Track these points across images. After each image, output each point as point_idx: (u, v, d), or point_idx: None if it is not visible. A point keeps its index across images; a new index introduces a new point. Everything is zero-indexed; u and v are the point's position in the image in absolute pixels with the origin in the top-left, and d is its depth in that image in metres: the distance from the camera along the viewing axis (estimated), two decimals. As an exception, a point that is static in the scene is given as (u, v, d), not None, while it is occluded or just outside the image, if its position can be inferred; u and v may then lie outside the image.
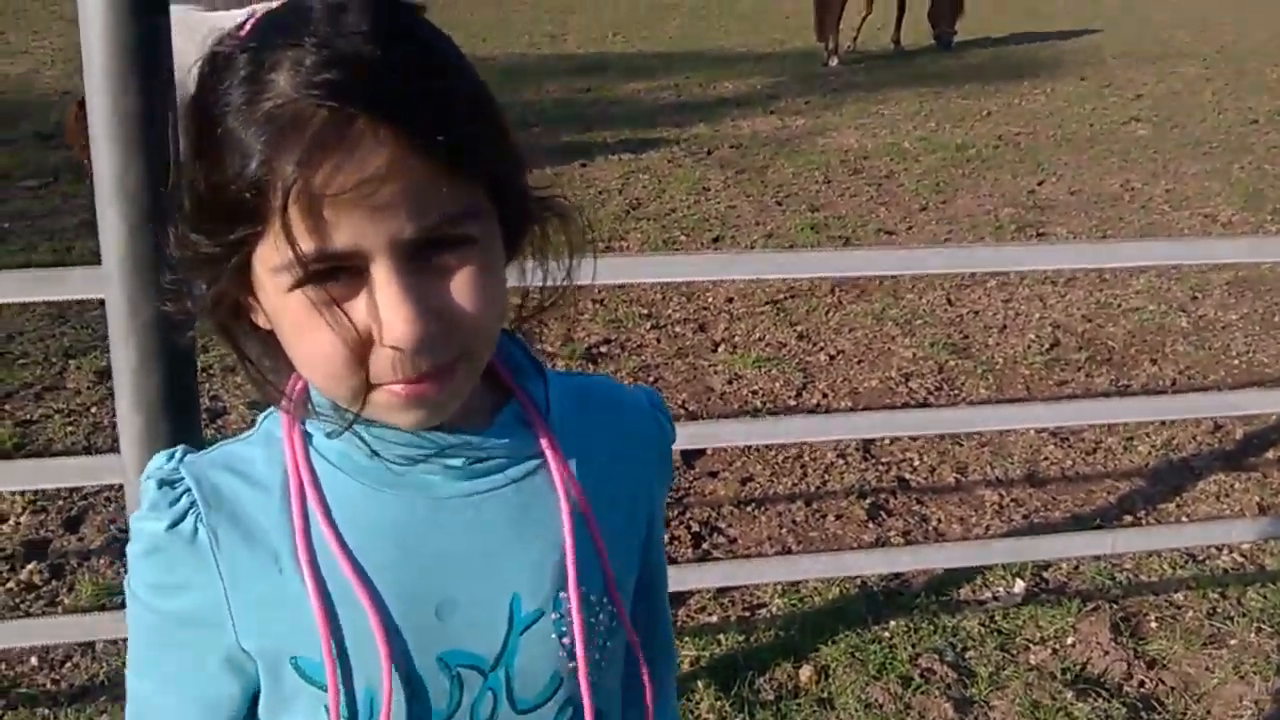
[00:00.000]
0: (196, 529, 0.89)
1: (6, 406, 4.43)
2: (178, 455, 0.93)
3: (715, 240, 6.77)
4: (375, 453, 0.89)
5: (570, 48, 13.66)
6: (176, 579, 0.90)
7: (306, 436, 0.92)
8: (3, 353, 4.89)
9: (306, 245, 0.75)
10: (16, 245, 6.25)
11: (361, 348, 0.80)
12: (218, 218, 0.79)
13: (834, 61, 12.83)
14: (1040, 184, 8.18)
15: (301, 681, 0.90)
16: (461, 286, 0.81)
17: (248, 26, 0.81)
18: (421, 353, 0.79)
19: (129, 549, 0.93)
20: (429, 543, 0.90)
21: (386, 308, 0.78)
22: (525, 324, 0.98)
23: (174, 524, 0.89)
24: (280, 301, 0.80)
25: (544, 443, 0.95)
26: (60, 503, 3.74)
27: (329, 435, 0.90)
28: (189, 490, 0.90)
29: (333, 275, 0.78)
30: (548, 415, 0.97)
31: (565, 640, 0.94)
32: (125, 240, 1.75)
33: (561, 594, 0.94)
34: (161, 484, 0.91)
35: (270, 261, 0.78)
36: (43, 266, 5.64)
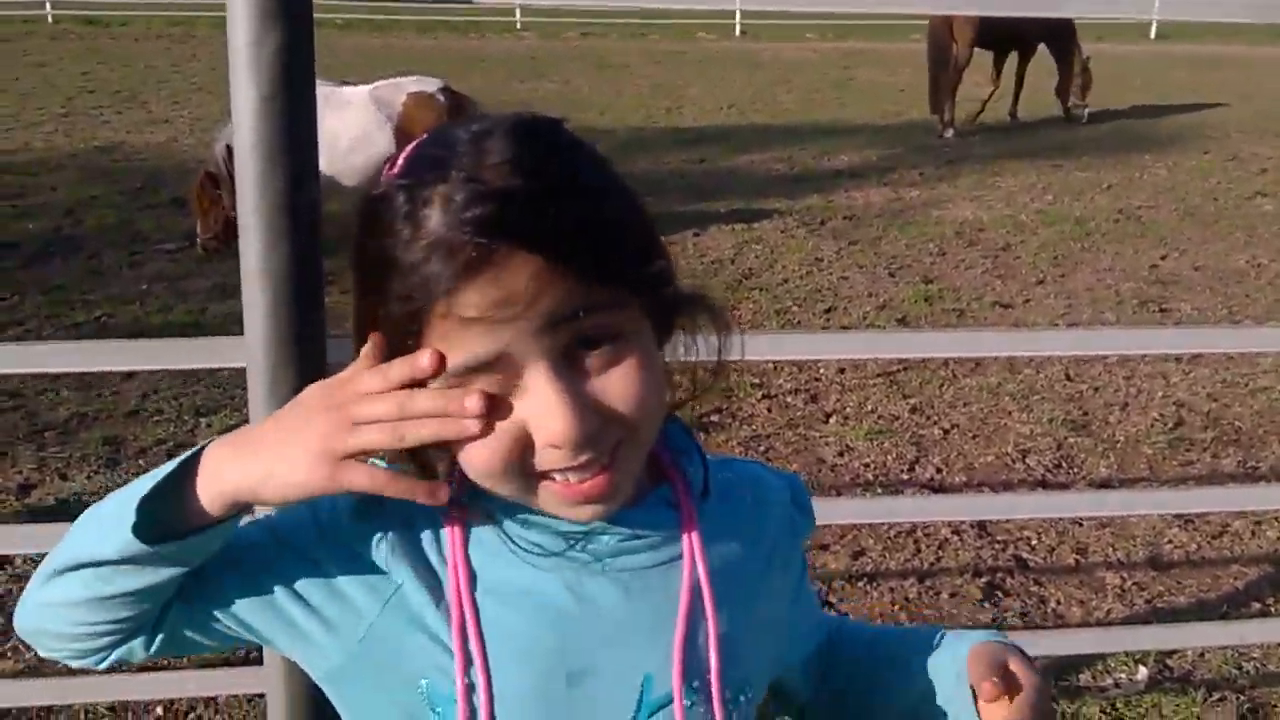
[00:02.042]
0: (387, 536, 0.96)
1: (140, 462, 4.61)
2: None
3: (828, 311, 6.76)
4: (519, 540, 0.95)
5: (686, 121, 13.83)
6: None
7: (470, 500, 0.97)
8: (138, 410, 5.10)
9: (460, 356, 0.83)
10: (154, 306, 6.53)
11: (521, 448, 0.85)
12: (386, 340, 0.87)
13: (949, 133, 12.77)
14: (1163, 259, 8.01)
15: (418, 701, 0.94)
16: (615, 381, 0.86)
17: (399, 163, 0.87)
18: (581, 448, 0.84)
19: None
20: (568, 615, 0.94)
21: (542, 410, 0.83)
22: (681, 408, 1.03)
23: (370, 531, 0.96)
24: None
25: (685, 527, 0.98)
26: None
27: (479, 519, 0.96)
28: (379, 527, 0.97)
29: (490, 385, 0.84)
30: (703, 499, 1.00)
31: None
32: (268, 315, 1.82)
33: (696, 682, 0.95)
34: (361, 509, 0.96)
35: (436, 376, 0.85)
36: (179, 327, 5.90)
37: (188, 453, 0.89)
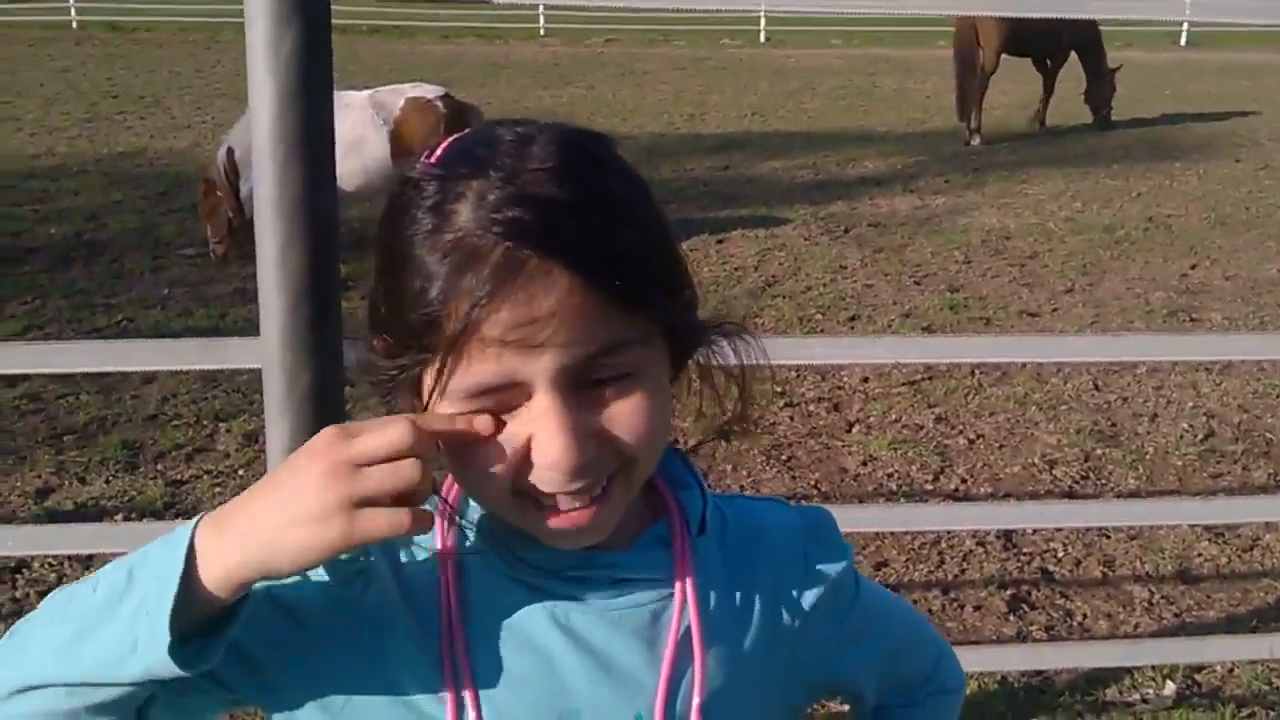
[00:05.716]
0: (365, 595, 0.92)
1: (159, 466, 4.60)
2: None
3: (851, 319, 6.71)
4: (510, 577, 0.92)
5: (709, 127, 13.80)
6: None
7: (461, 532, 0.94)
8: (157, 414, 5.10)
9: (472, 378, 0.79)
10: (174, 311, 6.55)
11: (518, 465, 0.82)
12: (396, 337, 0.83)
13: (976, 140, 12.68)
14: (1193, 268, 7.91)
15: None
16: (621, 414, 0.83)
17: (439, 152, 0.83)
18: (576, 476, 0.81)
19: None
20: (560, 652, 0.91)
21: (544, 435, 0.80)
22: (703, 444, 1.00)
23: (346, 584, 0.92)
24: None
25: (677, 568, 0.94)
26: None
27: (469, 552, 0.93)
28: (369, 564, 0.93)
29: (499, 400, 0.81)
30: (699, 535, 0.96)
31: None
32: (284, 315, 1.80)
33: None
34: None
35: (438, 384, 0.82)
36: (199, 332, 5.90)
37: (181, 541, 0.81)
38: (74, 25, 23.83)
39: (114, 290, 6.89)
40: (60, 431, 4.90)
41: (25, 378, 5.20)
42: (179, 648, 0.79)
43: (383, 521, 0.78)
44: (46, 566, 3.80)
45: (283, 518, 0.78)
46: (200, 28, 22.87)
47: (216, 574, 0.79)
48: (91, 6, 24.33)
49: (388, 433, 0.79)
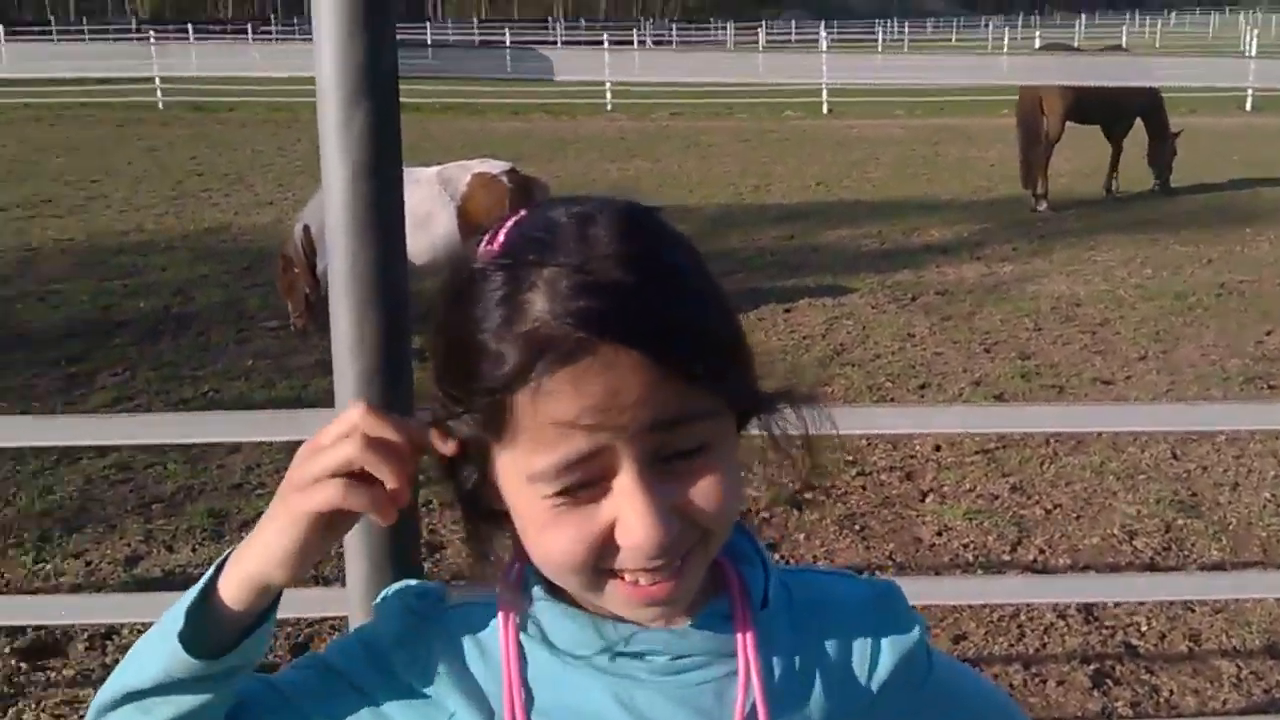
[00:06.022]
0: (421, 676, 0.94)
1: (243, 534, 4.63)
2: (432, 596, 0.97)
3: (922, 388, 6.69)
4: (572, 654, 0.91)
5: (774, 198, 13.91)
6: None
7: (524, 612, 0.94)
8: (241, 483, 5.22)
9: (554, 458, 0.80)
10: (258, 382, 6.72)
11: (602, 545, 0.83)
12: (466, 423, 0.85)
13: (1042, 206, 12.64)
14: (1269, 334, 7.80)
15: None
16: (701, 489, 0.83)
17: (500, 240, 0.84)
18: (660, 556, 0.82)
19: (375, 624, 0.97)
20: None
21: (630, 516, 0.81)
22: (774, 513, 1.01)
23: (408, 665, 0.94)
24: (525, 501, 0.84)
25: (740, 643, 0.92)
26: (289, 629, 3.92)
27: (531, 632, 0.92)
28: (425, 653, 0.94)
29: (579, 483, 0.82)
30: (762, 609, 0.94)
31: None
32: (358, 385, 1.86)
33: None
34: (405, 635, 0.94)
35: (520, 467, 0.83)
36: (281, 403, 6.04)
37: (219, 559, 0.89)
38: (160, 106, 24.67)
39: (200, 362, 7.10)
40: (149, 500, 5.04)
41: (115, 448, 5.36)
42: (199, 657, 0.85)
43: (318, 495, 0.83)
44: (136, 633, 3.86)
45: (267, 517, 0.86)
46: (281, 108, 23.52)
47: (231, 584, 0.87)
48: (176, 88, 25.16)
49: (342, 415, 0.85)
